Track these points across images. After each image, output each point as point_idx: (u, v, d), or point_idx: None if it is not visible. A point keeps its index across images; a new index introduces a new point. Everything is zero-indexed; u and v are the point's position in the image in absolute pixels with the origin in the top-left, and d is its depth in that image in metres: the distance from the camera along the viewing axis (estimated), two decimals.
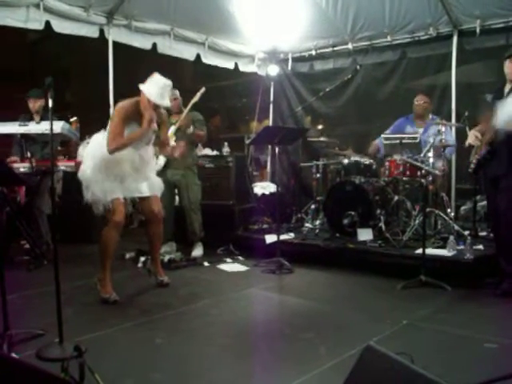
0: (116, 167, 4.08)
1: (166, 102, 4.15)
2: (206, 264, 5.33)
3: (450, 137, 5.34)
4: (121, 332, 3.33)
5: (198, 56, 6.97)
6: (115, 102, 6.02)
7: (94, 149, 4.15)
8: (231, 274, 5.00)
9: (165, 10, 6.23)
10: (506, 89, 4.06)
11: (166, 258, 5.26)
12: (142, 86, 4.07)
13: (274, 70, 7.68)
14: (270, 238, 5.40)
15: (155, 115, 4.15)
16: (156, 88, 4.03)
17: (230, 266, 5.26)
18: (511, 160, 3.98)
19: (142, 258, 5.19)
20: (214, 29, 6.86)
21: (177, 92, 5.58)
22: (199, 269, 5.21)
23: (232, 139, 7.79)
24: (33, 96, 5.43)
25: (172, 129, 5.37)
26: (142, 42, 6.33)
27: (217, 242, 5.86)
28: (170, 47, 6.62)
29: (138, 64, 7.27)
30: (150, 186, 4.31)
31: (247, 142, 5.80)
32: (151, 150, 4.44)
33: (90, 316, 3.66)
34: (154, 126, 4.15)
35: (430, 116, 5.71)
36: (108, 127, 4.09)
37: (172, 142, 5.48)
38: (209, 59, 7.11)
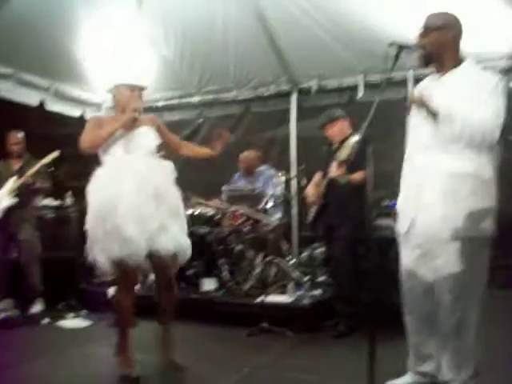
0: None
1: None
2: (45, 321, 5.02)
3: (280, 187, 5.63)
4: None
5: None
6: None
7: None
8: (72, 331, 4.75)
9: (7, 52, 5.93)
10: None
11: (1, 315, 4.90)
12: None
13: None
14: (113, 291, 5.23)
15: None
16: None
17: (71, 322, 5.00)
18: (342, 211, 4.33)
19: None
20: (60, 75, 6.66)
21: (20, 135, 5.31)
22: (37, 326, 4.91)
23: (81, 188, 7.50)
24: None
25: (12, 180, 5.10)
26: None
27: (58, 297, 5.54)
28: (12, 92, 6.29)
29: None
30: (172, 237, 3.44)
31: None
32: (168, 168, 3.58)
33: None
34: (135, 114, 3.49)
35: (261, 167, 6.02)
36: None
37: (10, 199, 5.15)
38: (53, 106, 6.87)
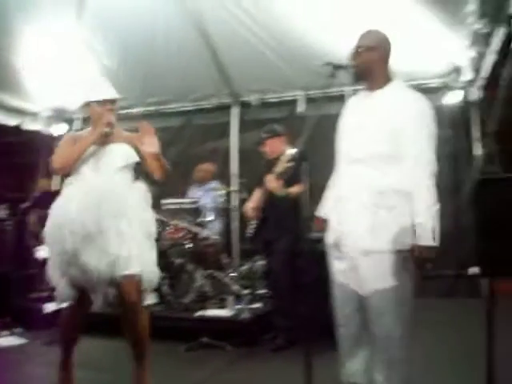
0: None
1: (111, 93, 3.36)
2: None
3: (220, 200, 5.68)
4: None
5: None
6: None
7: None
8: (6, 350, 4.59)
9: None
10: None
11: None
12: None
13: (61, 129, 7.48)
14: (50, 307, 5.09)
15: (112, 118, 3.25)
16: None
17: (5, 340, 4.83)
18: (280, 225, 4.39)
19: None
20: None
21: None
22: None
23: (17, 200, 7.29)
24: None
25: None
26: None
27: None
28: None
29: None
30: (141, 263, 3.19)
31: (23, 205, 5.52)
32: (141, 190, 3.33)
33: None
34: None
35: (212, 182, 6.03)
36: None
37: None
38: None
